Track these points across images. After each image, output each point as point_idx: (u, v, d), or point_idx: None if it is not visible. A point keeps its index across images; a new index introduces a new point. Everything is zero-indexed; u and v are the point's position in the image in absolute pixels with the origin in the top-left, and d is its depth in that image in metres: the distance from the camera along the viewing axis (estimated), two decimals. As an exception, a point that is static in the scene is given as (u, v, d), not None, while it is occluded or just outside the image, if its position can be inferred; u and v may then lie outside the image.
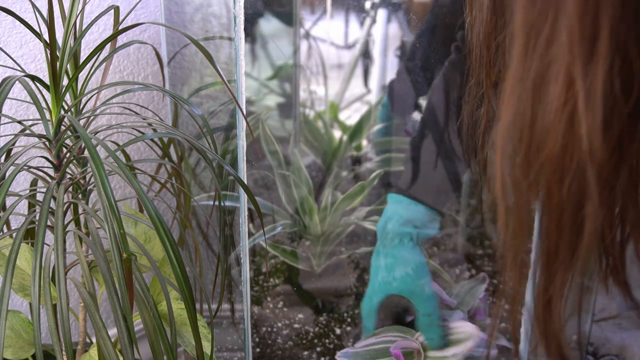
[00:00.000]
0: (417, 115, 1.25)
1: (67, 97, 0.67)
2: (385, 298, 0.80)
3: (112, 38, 0.63)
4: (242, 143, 0.74)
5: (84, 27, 0.67)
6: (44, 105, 0.62)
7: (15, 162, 0.58)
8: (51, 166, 0.63)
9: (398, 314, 0.82)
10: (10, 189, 0.55)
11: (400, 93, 1.19)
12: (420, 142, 0.84)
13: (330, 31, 1.50)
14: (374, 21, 1.43)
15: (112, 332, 1.02)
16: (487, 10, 0.57)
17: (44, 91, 0.64)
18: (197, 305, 0.94)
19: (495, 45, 0.59)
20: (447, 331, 0.79)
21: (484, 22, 0.58)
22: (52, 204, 0.61)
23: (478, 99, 0.66)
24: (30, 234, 0.75)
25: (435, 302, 0.79)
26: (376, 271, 0.81)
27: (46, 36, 0.65)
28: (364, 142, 1.35)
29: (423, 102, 0.98)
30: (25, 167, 0.60)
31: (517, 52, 0.32)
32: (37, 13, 0.68)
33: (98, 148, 0.85)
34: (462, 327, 0.79)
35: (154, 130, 0.73)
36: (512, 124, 0.33)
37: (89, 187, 0.66)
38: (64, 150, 0.63)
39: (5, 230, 0.75)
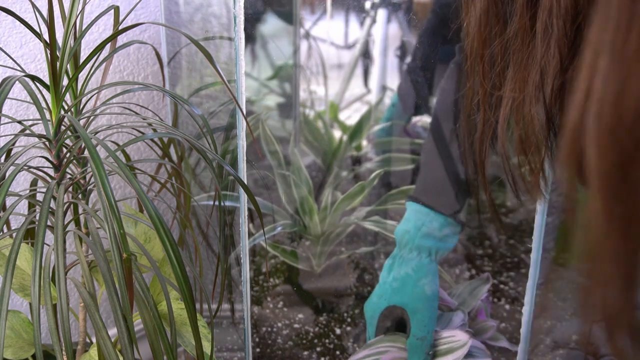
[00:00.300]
0: (417, 118, 1.25)
1: (67, 97, 0.67)
2: (388, 306, 0.80)
3: (112, 38, 0.63)
4: (242, 143, 0.74)
5: (84, 27, 0.67)
6: (44, 105, 0.62)
7: (15, 162, 0.58)
8: (51, 166, 0.63)
9: (399, 320, 0.82)
10: (10, 189, 0.55)
11: (410, 94, 1.19)
12: (431, 147, 0.83)
13: (330, 31, 1.50)
14: (374, 21, 1.43)
15: (112, 332, 1.02)
16: (481, 18, 0.57)
17: (44, 91, 0.64)
18: (197, 305, 0.94)
19: (489, 54, 0.58)
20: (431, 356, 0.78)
21: (477, 30, 0.58)
22: (52, 204, 0.61)
23: (474, 106, 0.66)
24: (30, 234, 0.75)
25: (433, 328, 0.78)
26: (387, 276, 0.81)
27: (46, 36, 0.65)
28: (364, 142, 1.35)
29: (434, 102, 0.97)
30: (25, 167, 0.60)
31: (613, 17, 0.31)
32: (37, 13, 0.68)
33: (98, 148, 0.85)
34: (455, 336, 0.78)
35: (154, 130, 0.73)
36: (599, 98, 0.31)
37: (89, 187, 0.66)
38: (64, 150, 0.63)
39: (5, 230, 0.75)
